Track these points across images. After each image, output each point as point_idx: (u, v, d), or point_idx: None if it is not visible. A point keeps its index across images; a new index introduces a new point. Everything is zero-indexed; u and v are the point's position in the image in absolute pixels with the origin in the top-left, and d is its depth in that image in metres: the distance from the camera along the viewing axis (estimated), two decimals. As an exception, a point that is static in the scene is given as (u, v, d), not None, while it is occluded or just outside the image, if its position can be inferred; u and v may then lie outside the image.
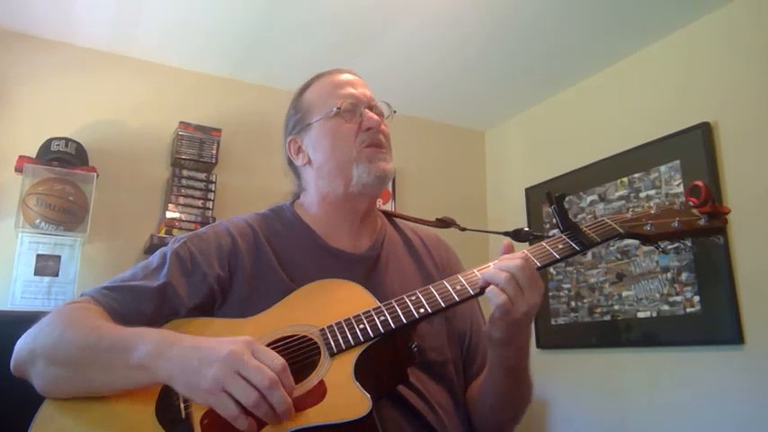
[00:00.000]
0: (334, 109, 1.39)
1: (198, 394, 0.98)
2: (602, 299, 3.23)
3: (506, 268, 1.13)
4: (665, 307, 2.90)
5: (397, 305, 1.15)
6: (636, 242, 3.04)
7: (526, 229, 1.48)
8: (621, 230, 1.27)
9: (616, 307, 3.15)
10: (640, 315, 3.02)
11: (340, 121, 1.39)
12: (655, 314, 2.95)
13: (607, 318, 3.19)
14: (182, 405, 1.05)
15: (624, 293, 3.11)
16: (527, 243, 1.37)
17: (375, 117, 1.40)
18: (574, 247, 1.23)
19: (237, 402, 0.94)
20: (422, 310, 1.14)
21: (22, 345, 1.16)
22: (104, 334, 1.11)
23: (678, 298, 2.85)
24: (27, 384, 1.14)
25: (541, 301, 1.15)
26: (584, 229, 1.25)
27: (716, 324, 2.68)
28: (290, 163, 1.52)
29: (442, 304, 1.15)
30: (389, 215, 1.58)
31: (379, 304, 1.17)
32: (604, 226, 1.27)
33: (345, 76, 1.48)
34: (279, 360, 0.99)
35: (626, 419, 3.03)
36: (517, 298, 1.11)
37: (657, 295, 2.95)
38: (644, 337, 3.00)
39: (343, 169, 1.38)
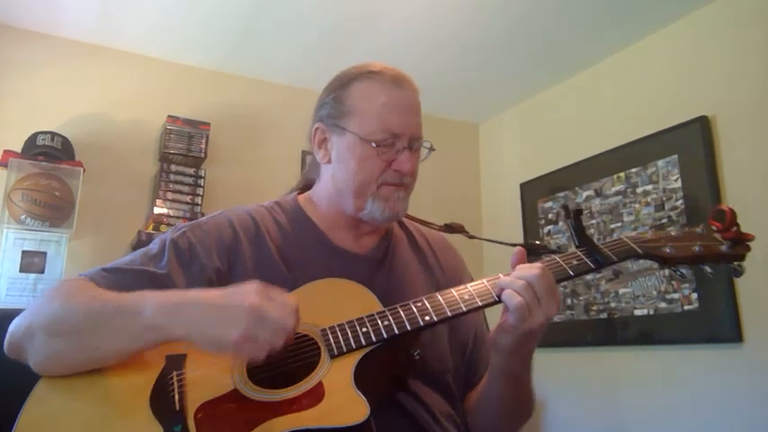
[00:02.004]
0: (373, 144, 1.30)
1: (226, 347, 1.01)
2: (598, 296, 3.19)
3: (524, 276, 1.11)
4: (663, 304, 2.86)
5: (402, 311, 1.14)
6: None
7: (537, 242, 1.44)
8: (640, 251, 1.24)
9: (612, 304, 3.11)
10: (637, 313, 2.98)
11: (373, 151, 1.30)
12: (652, 312, 2.91)
13: (603, 315, 3.15)
14: (176, 396, 1.04)
15: (621, 291, 3.07)
16: (536, 257, 1.37)
17: (409, 162, 1.32)
18: (589, 265, 1.20)
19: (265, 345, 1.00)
20: (427, 318, 1.12)
21: (18, 322, 1.14)
22: (107, 300, 1.10)
23: (676, 295, 2.81)
24: (18, 381, 1.10)
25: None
26: (601, 246, 1.23)
27: (714, 322, 2.65)
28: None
29: (449, 313, 1.13)
30: None
31: (384, 308, 1.15)
32: (622, 245, 1.25)
33: (402, 94, 1.36)
34: (288, 299, 1.05)
35: (623, 419, 3.00)
36: (534, 307, 1.09)
37: (655, 292, 2.91)
38: (641, 335, 2.96)
39: (358, 197, 1.33)
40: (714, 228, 1.29)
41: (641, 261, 2.95)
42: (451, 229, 1.52)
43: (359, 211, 1.33)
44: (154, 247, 1.28)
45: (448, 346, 1.34)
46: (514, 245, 1.42)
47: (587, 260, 1.20)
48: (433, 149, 1.43)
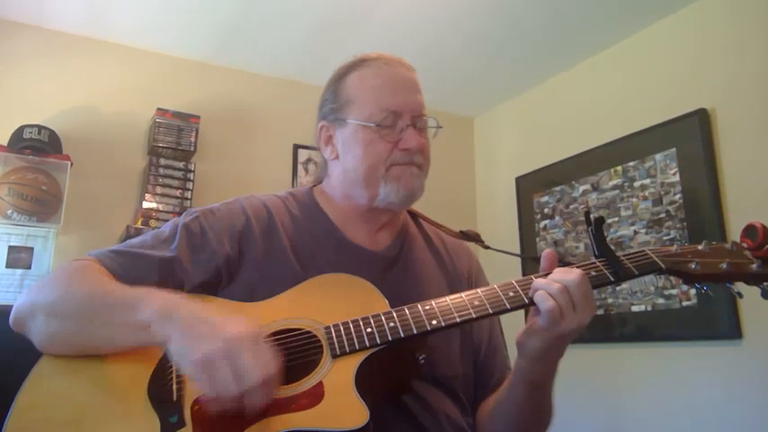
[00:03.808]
0: (372, 125, 1.29)
1: (184, 362, 0.97)
2: (595, 292, 3.12)
3: (560, 280, 1.07)
4: (660, 300, 2.83)
5: (410, 313, 1.10)
6: (629, 233, 2.98)
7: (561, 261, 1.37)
8: (663, 266, 1.17)
9: (609, 300, 3.07)
10: (634, 309, 2.95)
11: (376, 135, 1.29)
12: (649, 308, 2.88)
13: (600, 312, 3.11)
14: (174, 386, 1.04)
15: (618, 286, 3.03)
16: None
17: (414, 138, 1.30)
18: (608, 277, 1.15)
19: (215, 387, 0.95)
20: (434, 322, 1.08)
21: (23, 299, 1.16)
22: (110, 291, 1.11)
23: (674, 291, 2.78)
24: (19, 357, 1.12)
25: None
26: (622, 258, 1.17)
27: (713, 318, 2.62)
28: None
29: (458, 319, 1.09)
30: (413, 213, 1.52)
31: (390, 309, 1.12)
32: (645, 258, 1.18)
33: (396, 73, 1.35)
34: (272, 365, 0.96)
35: (620, 417, 2.97)
36: (567, 312, 1.06)
37: (652, 288, 2.87)
38: (638, 331, 2.93)
39: (370, 184, 1.30)
40: (745, 245, 1.21)
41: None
42: (467, 236, 1.48)
43: (374, 200, 1.31)
44: (165, 229, 1.28)
45: (459, 351, 1.31)
46: (535, 259, 1.34)
47: (607, 272, 1.15)
48: (440, 126, 1.41)
